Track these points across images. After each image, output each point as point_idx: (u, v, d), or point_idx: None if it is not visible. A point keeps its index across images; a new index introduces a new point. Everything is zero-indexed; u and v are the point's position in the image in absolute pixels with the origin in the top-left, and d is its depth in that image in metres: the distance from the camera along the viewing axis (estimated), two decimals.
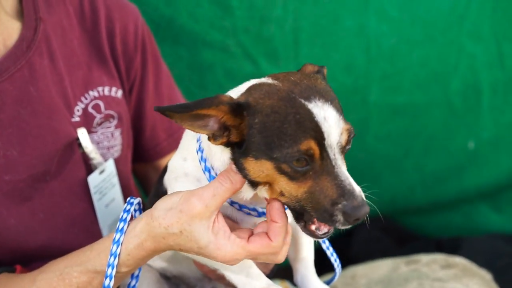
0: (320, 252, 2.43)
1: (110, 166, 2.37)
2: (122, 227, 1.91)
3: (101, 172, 2.34)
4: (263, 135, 1.69)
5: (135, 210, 1.99)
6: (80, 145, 2.29)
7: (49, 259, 2.22)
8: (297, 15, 3.20)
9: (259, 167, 1.72)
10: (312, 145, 1.67)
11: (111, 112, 2.36)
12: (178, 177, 1.96)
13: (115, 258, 1.90)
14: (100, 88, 2.34)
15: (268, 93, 1.72)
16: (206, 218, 1.80)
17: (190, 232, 1.82)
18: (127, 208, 1.96)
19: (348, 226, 1.72)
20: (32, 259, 2.23)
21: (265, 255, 1.84)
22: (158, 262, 2.24)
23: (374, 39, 3.27)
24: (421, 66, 3.34)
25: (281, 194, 1.76)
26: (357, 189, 1.70)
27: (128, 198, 1.99)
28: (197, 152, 1.89)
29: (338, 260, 2.17)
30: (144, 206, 2.06)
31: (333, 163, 1.69)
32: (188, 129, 1.75)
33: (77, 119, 2.28)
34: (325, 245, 2.15)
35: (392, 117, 3.41)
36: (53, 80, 2.22)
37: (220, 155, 1.83)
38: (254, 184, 1.78)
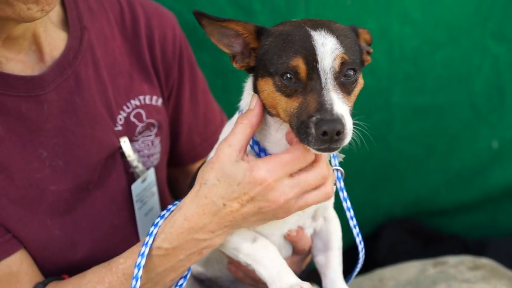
0: (347, 257, 2.43)
1: (151, 175, 2.38)
2: (157, 222, 1.95)
3: (143, 180, 2.34)
4: (269, 53, 1.85)
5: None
6: (122, 154, 2.30)
7: None
8: (319, 18, 3.19)
9: (264, 85, 1.86)
10: (300, 63, 1.81)
11: (152, 121, 2.37)
12: None
13: (150, 236, 1.92)
14: (141, 97, 2.35)
15: (285, 23, 1.90)
16: (234, 155, 1.85)
17: (225, 175, 1.84)
18: (168, 208, 2.00)
19: (321, 147, 1.77)
20: (74, 272, 2.21)
21: (299, 163, 1.84)
22: (193, 266, 2.25)
23: (397, 41, 3.27)
24: (444, 67, 3.34)
25: (282, 115, 1.86)
26: (337, 110, 1.78)
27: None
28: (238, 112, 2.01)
29: (360, 236, 2.20)
30: None
31: (322, 85, 1.80)
32: (215, 42, 1.89)
33: (119, 128, 2.29)
34: (350, 214, 2.16)
35: (415, 118, 3.40)
36: (97, 89, 2.22)
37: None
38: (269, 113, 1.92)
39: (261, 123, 1.92)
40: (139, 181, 2.33)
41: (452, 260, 3.08)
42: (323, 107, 1.76)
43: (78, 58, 2.18)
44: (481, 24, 3.28)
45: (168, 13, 2.48)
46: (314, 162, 1.88)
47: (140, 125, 2.34)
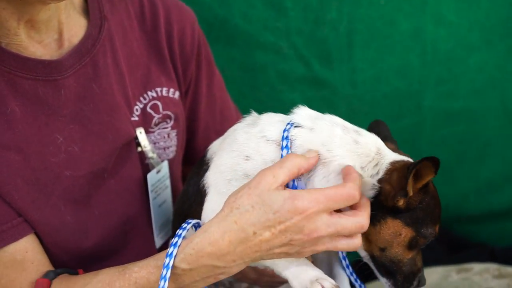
0: None
1: (165, 167, 2.38)
2: (176, 242, 1.86)
3: (158, 171, 2.34)
4: (423, 212, 1.88)
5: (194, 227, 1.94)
6: (138, 144, 2.30)
7: (100, 261, 2.24)
8: (352, 17, 3.17)
9: (399, 230, 1.89)
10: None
11: (169, 113, 2.37)
12: (234, 179, 1.93)
13: (170, 258, 1.83)
14: (158, 89, 2.35)
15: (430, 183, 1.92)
16: (275, 185, 1.76)
17: (262, 202, 1.75)
18: (184, 226, 1.91)
19: None
20: (85, 260, 2.24)
21: (343, 201, 1.77)
22: None
23: (430, 43, 3.22)
24: (478, 72, 3.28)
25: (381, 250, 1.91)
26: None
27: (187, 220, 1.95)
28: (283, 139, 1.89)
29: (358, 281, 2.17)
30: None
31: None
32: (408, 187, 1.85)
33: (136, 118, 2.29)
34: (348, 270, 2.13)
35: (446, 122, 3.36)
36: (115, 78, 2.23)
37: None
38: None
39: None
40: (154, 171, 2.33)
41: (477, 267, 3.03)
42: (422, 267, 1.99)
43: (97, 46, 2.19)
44: None
45: (187, 9, 2.48)
46: (358, 208, 1.82)
47: (157, 117, 2.34)
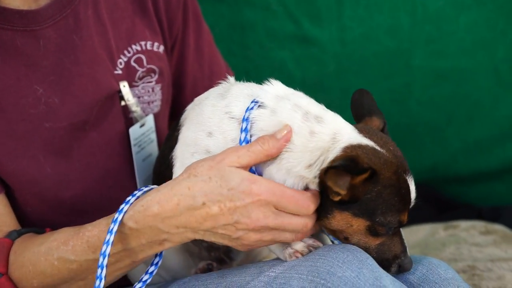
0: None
1: (150, 121, 2.37)
2: (129, 200, 1.87)
3: (142, 125, 2.34)
4: (375, 202, 1.80)
5: None
6: (121, 98, 2.28)
7: (84, 214, 2.22)
8: None
9: (350, 222, 1.83)
10: (406, 217, 1.87)
11: (153, 67, 2.36)
12: (197, 153, 1.92)
13: (119, 213, 1.84)
14: (142, 42, 2.33)
15: (385, 164, 1.80)
16: (236, 165, 1.77)
17: (220, 176, 1.75)
18: (142, 189, 1.91)
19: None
20: (66, 212, 2.25)
21: (296, 207, 1.78)
22: None
23: (420, 1, 3.21)
24: (468, 31, 3.27)
25: (345, 238, 1.87)
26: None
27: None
28: (243, 120, 1.86)
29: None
30: None
31: (401, 231, 1.92)
32: (335, 188, 1.78)
33: (119, 72, 2.28)
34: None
35: (436, 82, 3.35)
36: (96, 31, 2.22)
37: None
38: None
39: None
40: (137, 125, 2.32)
41: (463, 224, 3.05)
42: (404, 248, 1.89)
43: None
44: None
45: None
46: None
47: (141, 70, 2.33)
